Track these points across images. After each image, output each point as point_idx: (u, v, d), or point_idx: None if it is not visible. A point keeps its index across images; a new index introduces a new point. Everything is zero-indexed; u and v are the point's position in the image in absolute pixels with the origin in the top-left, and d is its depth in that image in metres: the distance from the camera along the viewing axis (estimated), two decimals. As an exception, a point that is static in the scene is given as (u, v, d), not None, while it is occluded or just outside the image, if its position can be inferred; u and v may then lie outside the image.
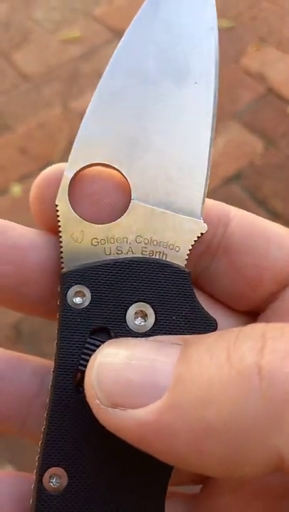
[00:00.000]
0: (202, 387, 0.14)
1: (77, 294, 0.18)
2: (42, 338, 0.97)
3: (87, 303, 0.18)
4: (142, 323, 0.18)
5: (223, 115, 1.26)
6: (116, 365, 0.15)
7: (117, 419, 0.14)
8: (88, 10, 1.53)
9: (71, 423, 0.18)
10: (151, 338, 0.17)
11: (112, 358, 0.15)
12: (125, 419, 0.14)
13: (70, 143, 1.03)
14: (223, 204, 0.22)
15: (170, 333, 0.18)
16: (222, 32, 1.45)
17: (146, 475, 0.18)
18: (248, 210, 0.24)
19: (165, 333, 0.18)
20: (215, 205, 0.22)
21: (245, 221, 0.22)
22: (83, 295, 0.18)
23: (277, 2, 1.50)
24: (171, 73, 0.20)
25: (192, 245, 0.19)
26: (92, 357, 0.16)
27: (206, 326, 0.18)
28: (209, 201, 0.21)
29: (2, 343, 0.97)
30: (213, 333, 0.17)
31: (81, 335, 0.18)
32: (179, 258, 0.19)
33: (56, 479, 0.18)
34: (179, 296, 0.18)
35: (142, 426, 0.14)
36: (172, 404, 0.14)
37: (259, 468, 0.14)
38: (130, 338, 0.17)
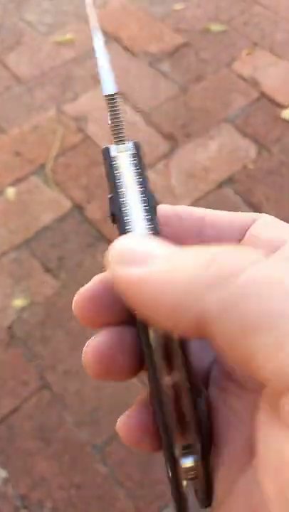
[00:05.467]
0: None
1: None
2: (35, 341, 0.97)
3: None
4: None
5: (215, 119, 1.27)
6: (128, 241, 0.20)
7: (121, 271, 0.19)
8: (81, 13, 1.53)
9: None
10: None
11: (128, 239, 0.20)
12: (127, 272, 0.19)
13: (64, 146, 1.03)
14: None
15: None
16: (214, 36, 1.46)
17: None
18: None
19: None
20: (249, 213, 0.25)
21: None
22: None
23: (269, 7, 1.52)
24: None
25: None
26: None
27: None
28: (244, 213, 0.25)
29: (-5, 347, 0.96)
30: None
31: None
32: None
33: None
34: None
35: (135, 280, 0.19)
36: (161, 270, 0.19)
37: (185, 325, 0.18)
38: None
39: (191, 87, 1.33)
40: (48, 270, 1.04)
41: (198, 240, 0.23)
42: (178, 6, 1.53)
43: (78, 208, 1.12)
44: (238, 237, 0.23)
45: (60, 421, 0.89)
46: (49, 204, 1.14)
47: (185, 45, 1.42)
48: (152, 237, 0.20)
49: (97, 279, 0.22)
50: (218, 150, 1.22)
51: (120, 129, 0.21)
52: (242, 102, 1.30)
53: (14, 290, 1.02)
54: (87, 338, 0.22)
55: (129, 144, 0.21)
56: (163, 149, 1.22)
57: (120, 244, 0.20)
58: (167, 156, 1.20)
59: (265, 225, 0.23)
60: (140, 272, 0.19)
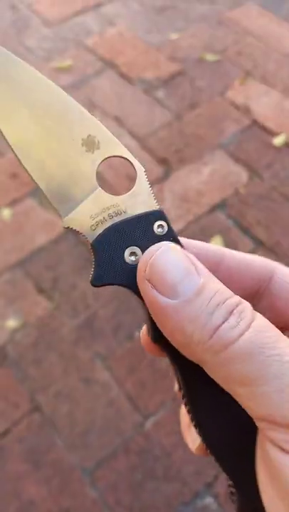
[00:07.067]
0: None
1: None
2: (27, 361, 0.96)
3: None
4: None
5: (209, 145, 1.30)
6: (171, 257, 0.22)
7: (150, 294, 0.21)
8: (80, 40, 1.57)
9: None
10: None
11: (170, 253, 0.22)
12: (155, 298, 0.21)
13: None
14: (270, 260, 0.27)
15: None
16: (209, 65, 1.49)
17: None
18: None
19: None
20: (264, 260, 0.27)
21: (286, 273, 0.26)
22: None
23: (261, 38, 1.56)
24: None
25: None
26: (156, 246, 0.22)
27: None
28: (258, 257, 0.26)
29: (-14, 367, 0.96)
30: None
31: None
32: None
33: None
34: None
35: (162, 310, 0.21)
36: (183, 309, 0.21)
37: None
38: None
39: (185, 114, 1.36)
40: (41, 291, 1.05)
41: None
42: (174, 36, 1.57)
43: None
44: (252, 282, 0.25)
45: (51, 444, 0.88)
46: (44, 225, 1.15)
47: (180, 73, 1.46)
48: (188, 257, 0.22)
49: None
50: (211, 175, 1.24)
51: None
52: (234, 129, 1.33)
53: (7, 311, 1.02)
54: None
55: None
56: (157, 174, 1.24)
57: (157, 261, 0.22)
58: (161, 180, 1.22)
59: (283, 284, 0.25)
60: (167, 302, 0.21)
